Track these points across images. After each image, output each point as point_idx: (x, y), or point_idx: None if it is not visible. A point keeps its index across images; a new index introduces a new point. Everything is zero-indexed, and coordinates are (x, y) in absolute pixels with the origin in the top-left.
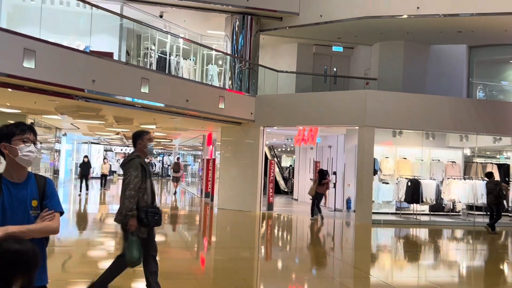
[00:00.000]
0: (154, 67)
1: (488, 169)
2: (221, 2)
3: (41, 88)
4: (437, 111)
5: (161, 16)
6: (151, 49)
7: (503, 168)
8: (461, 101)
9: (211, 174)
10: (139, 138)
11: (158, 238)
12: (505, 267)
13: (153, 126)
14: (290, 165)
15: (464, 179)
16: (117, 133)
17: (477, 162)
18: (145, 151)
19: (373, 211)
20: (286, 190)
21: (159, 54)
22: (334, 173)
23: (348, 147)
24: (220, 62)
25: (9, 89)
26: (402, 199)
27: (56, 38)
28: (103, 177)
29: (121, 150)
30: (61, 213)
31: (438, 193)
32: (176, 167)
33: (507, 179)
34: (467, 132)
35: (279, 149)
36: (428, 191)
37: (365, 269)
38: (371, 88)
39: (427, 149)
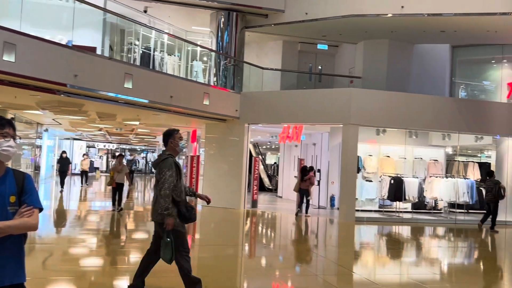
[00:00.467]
0: (138, 62)
1: (470, 168)
2: None
3: (22, 83)
4: (420, 110)
5: (145, 11)
6: (135, 44)
7: (484, 166)
8: (443, 100)
9: (195, 171)
10: (171, 137)
11: (141, 235)
12: (485, 263)
13: (137, 122)
14: (275, 163)
15: (446, 177)
16: (100, 129)
17: (458, 161)
18: (177, 149)
19: (356, 208)
20: (270, 187)
21: (143, 50)
22: (319, 170)
23: (332, 145)
24: (205, 59)
25: None
26: (385, 197)
27: (38, 32)
28: (83, 174)
29: (104, 146)
30: (40, 209)
31: (421, 191)
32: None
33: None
34: (450, 131)
35: (264, 147)
36: (411, 189)
37: (348, 266)
38: (355, 87)
39: (410, 147)
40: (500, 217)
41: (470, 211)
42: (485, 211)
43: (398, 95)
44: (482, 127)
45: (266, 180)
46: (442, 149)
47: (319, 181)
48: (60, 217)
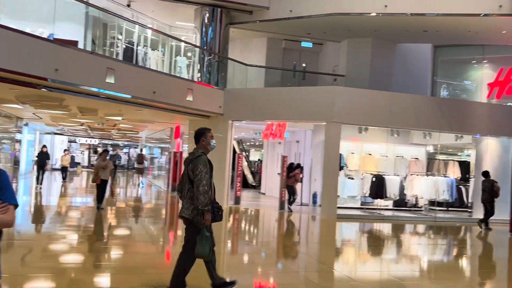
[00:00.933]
0: (120, 57)
1: (450, 166)
2: None
3: (0, 76)
4: (402, 109)
5: (128, 5)
6: (118, 39)
7: (463, 165)
8: (425, 99)
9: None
10: (203, 135)
11: (123, 232)
12: (463, 260)
13: (119, 118)
14: (259, 159)
15: (427, 175)
16: (82, 124)
17: (439, 159)
18: (208, 148)
19: (338, 205)
20: (253, 184)
21: (126, 44)
22: (302, 168)
23: (315, 143)
24: (189, 54)
25: None
26: (367, 194)
27: (18, 25)
28: (64, 170)
29: (86, 141)
30: (16, 205)
31: (402, 188)
32: (140, 158)
33: (467, 175)
34: (431, 129)
35: (248, 143)
36: (392, 186)
37: (329, 263)
38: (339, 85)
39: (391, 145)
40: (478, 215)
41: (449, 209)
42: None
43: (380, 94)
44: (462, 126)
45: (249, 177)
46: (423, 147)
47: (302, 178)
48: (37, 214)
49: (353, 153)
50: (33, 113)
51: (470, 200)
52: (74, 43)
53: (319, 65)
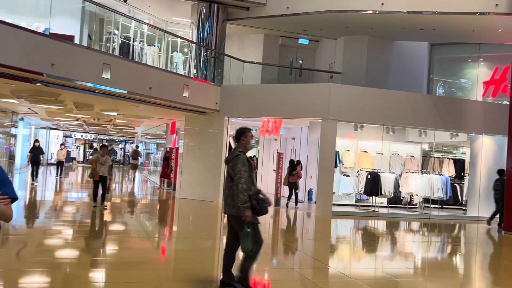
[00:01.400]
0: (117, 52)
1: (445, 164)
2: None
3: None
4: (398, 106)
5: (125, 0)
6: (114, 34)
7: (458, 163)
8: (421, 97)
9: (173, 163)
10: (243, 135)
11: (118, 227)
12: (457, 258)
13: (115, 113)
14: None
15: (422, 173)
16: (77, 119)
17: (434, 157)
18: (248, 147)
19: (333, 202)
20: None
21: (123, 39)
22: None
23: (311, 139)
24: (185, 50)
25: None
26: (362, 192)
27: (14, 19)
28: (59, 164)
29: (81, 136)
30: (15, 199)
31: (397, 186)
32: (135, 154)
33: (462, 173)
34: (426, 127)
35: None
36: (387, 184)
37: (324, 260)
38: (335, 82)
39: (387, 143)
40: (473, 213)
41: (444, 206)
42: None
43: (376, 91)
44: (457, 124)
45: None
46: (418, 145)
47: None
48: (32, 209)
49: (348, 150)
50: (29, 108)
51: (464, 198)
52: (70, 38)
53: (315, 62)
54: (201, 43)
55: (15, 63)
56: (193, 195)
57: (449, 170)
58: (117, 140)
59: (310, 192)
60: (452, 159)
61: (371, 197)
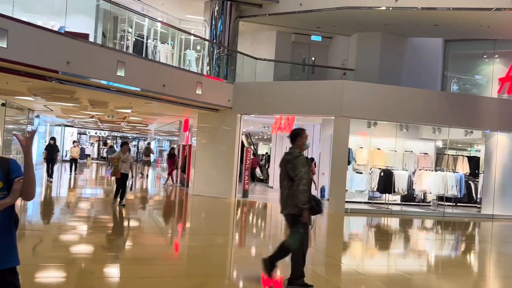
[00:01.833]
0: (130, 50)
1: (459, 161)
2: None
3: (13, 69)
4: (412, 103)
5: None
6: (128, 32)
7: (473, 160)
8: (435, 93)
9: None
10: (299, 136)
11: (132, 223)
12: (471, 256)
13: (129, 110)
14: (266, 153)
15: (436, 170)
16: (92, 116)
17: (448, 154)
18: (303, 147)
19: (346, 200)
20: (261, 177)
21: (136, 37)
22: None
23: (323, 137)
24: (198, 48)
25: None
26: (375, 189)
27: (30, 17)
28: (73, 161)
29: (96, 133)
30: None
31: (410, 183)
32: (147, 151)
33: (476, 171)
34: (440, 124)
35: (256, 137)
36: (400, 181)
37: (336, 257)
38: (348, 79)
39: (400, 140)
40: (488, 211)
41: (458, 204)
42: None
43: (390, 88)
44: (472, 121)
45: (257, 171)
46: (432, 142)
47: None
48: (47, 206)
49: (361, 147)
50: (44, 105)
51: (479, 196)
52: (85, 36)
53: (328, 59)
54: (214, 41)
55: (31, 61)
56: (206, 192)
57: (464, 168)
58: (130, 137)
59: (322, 190)
60: (466, 156)
61: (384, 195)
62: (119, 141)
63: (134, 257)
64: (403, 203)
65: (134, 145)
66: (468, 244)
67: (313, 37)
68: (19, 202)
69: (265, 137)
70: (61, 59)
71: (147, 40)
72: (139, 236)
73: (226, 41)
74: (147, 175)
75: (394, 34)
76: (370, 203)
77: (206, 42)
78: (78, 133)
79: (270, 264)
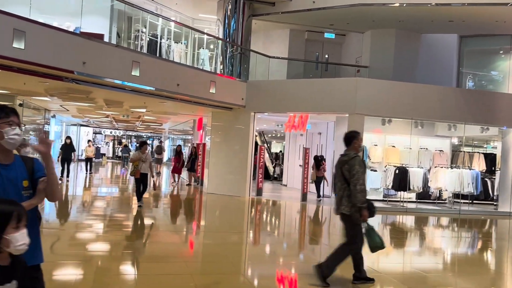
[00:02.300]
0: (145, 50)
1: (475, 159)
2: None
3: (31, 69)
4: (427, 100)
5: None
6: (142, 32)
7: (489, 157)
8: (450, 90)
9: (200, 159)
10: (355, 138)
11: (148, 222)
12: (488, 254)
13: (143, 110)
14: (280, 151)
15: (451, 167)
16: (107, 116)
17: (464, 151)
18: (359, 149)
19: None
20: (275, 176)
21: (150, 37)
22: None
23: (337, 134)
24: (211, 46)
25: None
26: (390, 187)
27: (46, 19)
28: (88, 161)
29: (111, 132)
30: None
31: (425, 181)
32: (159, 149)
33: (493, 168)
34: (456, 121)
35: (269, 135)
36: (416, 179)
37: None
38: (362, 76)
39: (415, 137)
40: (505, 208)
41: (474, 201)
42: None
43: (404, 85)
44: (488, 118)
45: (271, 169)
46: (447, 139)
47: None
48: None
49: (376, 145)
50: (61, 105)
51: (496, 193)
52: (100, 37)
53: (342, 56)
54: (227, 39)
55: (48, 62)
56: (221, 190)
57: (480, 165)
58: (145, 137)
59: None
60: (482, 153)
61: (399, 192)
62: (134, 140)
63: (150, 254)
64: (418, 200)
65: (149, 144)
66: (485, 242)
67: (326, 35)
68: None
69: (278, 135)
70: (77, 59)
71: (161, 39)
72: (154, 234)
73: (239, 40)
74: (158, 173)
75: (408, 31)
76: (385, 200)
77: (220, 41)
78: (93, 133)
79: (325, 270)
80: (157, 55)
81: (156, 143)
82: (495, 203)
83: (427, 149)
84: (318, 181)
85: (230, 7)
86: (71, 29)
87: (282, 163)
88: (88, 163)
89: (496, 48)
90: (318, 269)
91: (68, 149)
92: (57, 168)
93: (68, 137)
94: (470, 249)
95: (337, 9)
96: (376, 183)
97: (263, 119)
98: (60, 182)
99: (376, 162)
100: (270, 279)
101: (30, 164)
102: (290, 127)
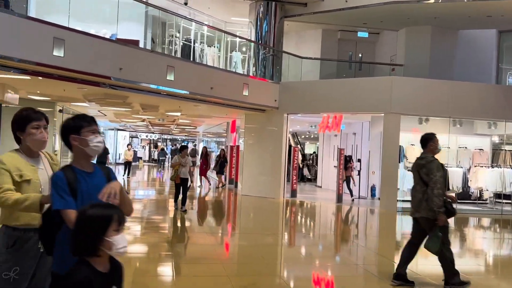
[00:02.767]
0: (179, 54)
1: None
2: None
3: (70, 76)
4: (465, 98)
5: (185, 4)
6: (176, 37)
7: None
8: (490, 87)
9: (234, 161)
10: (431, 140)
11: (184, 223)
12: None
13: (178, 114)
14: (314, 152)
15: (492, 167)
16: (143, 120)
17: (505, 150)
18: (435, 151)
19: (398, 198)
20: (309, 177)
21: (184, 42)
22: (359, 160)
23: (373, 134)
24: (244, 49)
25: (40, 77)
26: None
27: (83, 26)
28: (127, 164)
29: (146, 136)
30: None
31: (465, 181)
32: (192, 152)
33: None
34: (496, 119)
35: (302, 136)
36: (455, 179)
37: (389, 256)
38: (397, 75)
39: (454, 136)
40: None
41: None
42: None
43: (441, 83)
44: None
45: (305, 170)
46: (487, 138)
47: (359, 171)
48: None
49: (413, 144)
50: (98, 111)
51: None
52: (135, 43)
53: (376, 55)
54: (260, 42)
55: (86, 68)
56: (255, 192)
57: None
58: (179, 140)
59: (373, 188)
60: None
61: None
62: (169, 143)
63: (188, 256)
64: (458, 201)
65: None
66: None
67: (360, 34)
68: None
69: (312, 136)
70: (113, 65)
71: (194, 44)
72: (191, 236)
73: (271, 42)
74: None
75: (445, 27)
76: None
77: (252, 43)
78: (130, 137)
79: (451, 281)
80: (191, 59)
81: (190, 146)
82: None
83: (466, 148)
84: (346, 180)
85: (262, 9)
86: (107, 36)
87: (316, 163)
88: (127, 167)
89: None
90: (446, 282)
91: (102, 153)
92: None
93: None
94: None
95: (370, 8)
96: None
97: (296, 120)
98: None
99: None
100: (307, 281)
101: (106, 171)
102: (324, 128)
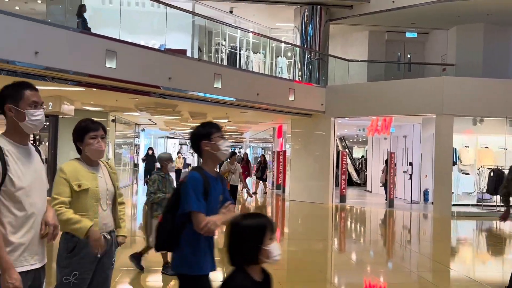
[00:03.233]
0: (225, 62)
1: None
2: None
3: (122, 87)
4: None
5: (231, 12)
6: (222, 45)
7: None
8: None
9: (282, 166)
10: None
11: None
12: None
13: (226, 120)
14: (362, 156)
15: None
16: (192, 128)
17: None
18: None
19: (452, 203)
20: (358, 181)
21: (230, 49)
22: (410, 163)
23: (424, 137)
24: (289, 54)
25: (94, 89)
26: (484, 190)
27: (134, 38)
28: (178, 172)
29: None
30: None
31: None
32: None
33: None
34: None
35: (350, 140)
36: None
37: (445, 262)
38: (448, 75)
39: (511, 137)
40: None
41: None
42: None
43: (496, 82)
44: None
45: (354, 174)
46: None
47: (411, 175)
48: None
49: (467, 146)
50: (149, 119)
51: None
52: (183, 52)
53: (425, 55)
54: (305, 46)
55: (137, 79)
56: (303, 197)
57: None
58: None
59: (426, 193)
60: None
61: (494, 196)
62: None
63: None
64: None
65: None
66: None
67: (408, 34)
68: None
69: (360, 140)
70: (163, 75)
71: (240, 51)
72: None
73: (317, 45)
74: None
75: (498, 24)
76: (479, 205)
77: (297, 48)
78: (179, 144)
79: None
80: (237, 66)
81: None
82: None
83: None
84: (385, 184)
85: (307, 13)
86: (156, 47)
87: (365, 168)
88: (178, 174)
89: None
90: None
91: (151, 160)
92: (142, 179)
93: (150, 148)
94: None
95: (419, 7)
96: (469, 187)
97: (344, 124)
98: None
99: (468, 164)
100: (358, 287)
101: (223, 182)
102: (373, 131)
